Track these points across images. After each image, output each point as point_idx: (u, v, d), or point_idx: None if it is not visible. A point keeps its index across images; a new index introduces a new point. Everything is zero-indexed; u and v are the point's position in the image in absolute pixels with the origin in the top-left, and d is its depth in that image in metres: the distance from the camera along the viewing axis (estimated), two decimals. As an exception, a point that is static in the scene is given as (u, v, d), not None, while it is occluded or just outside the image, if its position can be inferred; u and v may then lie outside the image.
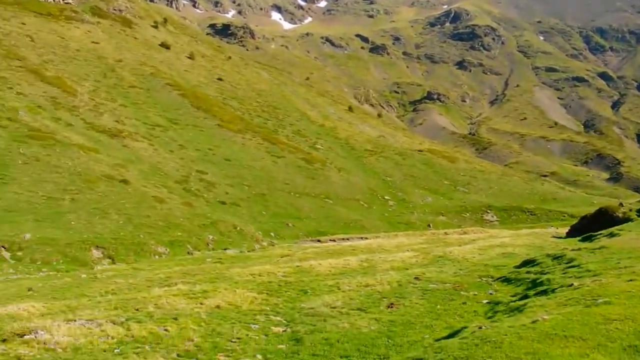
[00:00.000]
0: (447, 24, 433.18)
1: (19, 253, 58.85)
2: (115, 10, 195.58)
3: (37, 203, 71.48)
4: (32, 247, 59.76)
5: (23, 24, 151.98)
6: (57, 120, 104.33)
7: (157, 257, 65.61)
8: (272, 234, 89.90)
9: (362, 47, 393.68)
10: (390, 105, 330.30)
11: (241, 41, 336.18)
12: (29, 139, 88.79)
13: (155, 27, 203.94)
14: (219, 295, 31.83)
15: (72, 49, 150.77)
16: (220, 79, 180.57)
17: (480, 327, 20.49)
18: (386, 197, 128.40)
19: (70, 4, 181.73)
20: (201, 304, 30.17)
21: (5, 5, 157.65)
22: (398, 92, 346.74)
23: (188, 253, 68.63)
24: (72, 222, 67.76)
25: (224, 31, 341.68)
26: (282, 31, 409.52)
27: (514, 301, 26.74)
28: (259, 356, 22.67)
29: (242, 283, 36.50)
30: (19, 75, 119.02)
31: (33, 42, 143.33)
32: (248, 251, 70.46)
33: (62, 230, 65.11)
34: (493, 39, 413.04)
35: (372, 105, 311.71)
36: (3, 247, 59.07)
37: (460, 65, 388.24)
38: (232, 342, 24.25)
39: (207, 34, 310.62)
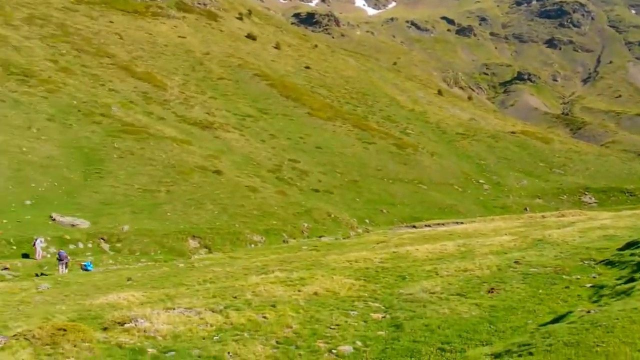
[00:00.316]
0: (534, 2, 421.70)
1: (118, 244, 60.28)
2: (199, 4, 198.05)
3: (133, 195, 73.14)
4: (130, 239, 61.08)
5: (111, 22, 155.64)
6: (149, 114, 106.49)
7: (252, 245, 66.20)
8: (366, 220, 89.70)
9: (448, 30, 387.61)
10: (480, 87, 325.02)
11: (326, 29, 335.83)
12: (122, 133, 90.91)
13: (240, 19, 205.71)
14: (316, 282, 31.62)
15: (160, 44, 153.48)
16: (307, 68, 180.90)
17: (588, 312, 19.73)
18: (480, 181, 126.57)
19: (155, 0, 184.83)
20: (299, 291, 30.01)
21: (93, 5, 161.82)
22: (487, 74, 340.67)
23: (283, 241, 69.02)
24: (168, 213, 69.02)
25: (308, 20, 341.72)
26: (367, 17, 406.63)
27: (620, 284, 25.68)
28: (359, 342, 22.37)
29: (339, 270, 36.24)
30: (110, 72, 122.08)
31: (122, 40, 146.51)
32: (343, 238, 70.34)
33: (158, 221, 66.35)
34: (582, 15, 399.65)
35: (461, 88, 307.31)
36: (102, 239, 60.59)
37: (550, 43, 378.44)
38: (331, 328, 24.01)
39: (292, 23, 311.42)
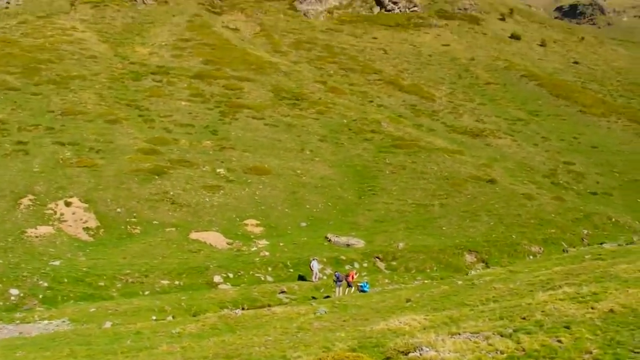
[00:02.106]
0: None
1: (393, 263, 60.55)
2: (460, 9, 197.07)
3: (407, 211, 73.37)
4: (406, 256, 61.13)
5: (374, 38, 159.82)
6: (419, 126, 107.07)
7: (531, 257, 63.82)
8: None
9: None
10: None
11: (591, 19, 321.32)
12: (393, 148, 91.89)
13: (502, 19, 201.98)
14: (610, 297, 29.09)
15: (424, 54, 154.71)
16: (576, 63, 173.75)
17: None
18: None
19: (416, 11, 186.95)
20: (592, 308, 27.70)
21: (355, 24, 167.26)
22: None
23: (563, 250, 65.63)
24: (443, 228, 68.41)
25: (571, 12, 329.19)
26: (632, 1, 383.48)
27: None
28: (669, 370, 20.08)
29: (632, 281, 33.22)
30: (377, 87, 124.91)
31: (386, 54, 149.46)
32: (626, 244, 65.66)
33: (433, 236, 65.92)
34: None
35: None
36: (378, 257, 61.15)
37: None
38: (634, 352, 21.72)
39: (555, 17, 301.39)
